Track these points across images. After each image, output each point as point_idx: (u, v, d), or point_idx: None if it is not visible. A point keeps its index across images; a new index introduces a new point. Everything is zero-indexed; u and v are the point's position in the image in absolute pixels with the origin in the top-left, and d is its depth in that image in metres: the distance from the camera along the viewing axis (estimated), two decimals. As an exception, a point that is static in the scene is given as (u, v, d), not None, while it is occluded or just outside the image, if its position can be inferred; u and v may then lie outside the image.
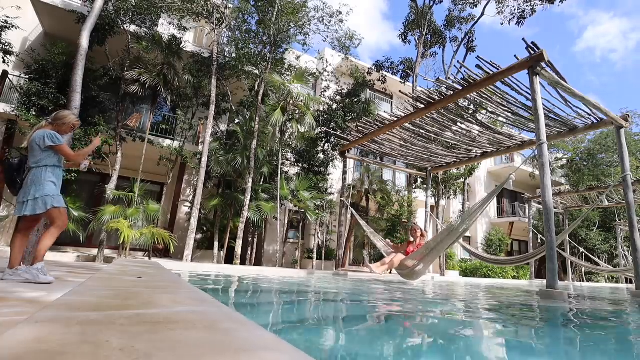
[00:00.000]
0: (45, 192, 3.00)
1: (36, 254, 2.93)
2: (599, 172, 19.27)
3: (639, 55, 72.95)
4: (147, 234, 8.61)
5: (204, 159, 10.23)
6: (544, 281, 4.14)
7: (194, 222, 9.85)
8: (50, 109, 9.00)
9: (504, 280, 14.52)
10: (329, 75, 15.25)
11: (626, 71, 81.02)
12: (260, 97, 11.50)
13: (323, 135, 13.88)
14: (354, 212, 7.86)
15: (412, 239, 6.58)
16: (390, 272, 7.04)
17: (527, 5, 16.39)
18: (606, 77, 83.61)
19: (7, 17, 8.92)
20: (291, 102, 11.43)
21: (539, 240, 14.81)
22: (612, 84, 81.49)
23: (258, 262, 12.81)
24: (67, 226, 8.35)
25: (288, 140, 12.74)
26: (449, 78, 7.69)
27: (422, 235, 6.67)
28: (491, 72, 4.88)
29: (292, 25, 12.22)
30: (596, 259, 13.57)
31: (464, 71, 5.14)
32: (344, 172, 13.45)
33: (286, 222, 14.70)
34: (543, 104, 4.87)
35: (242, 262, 11.68)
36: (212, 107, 10.68)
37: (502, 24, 17.06)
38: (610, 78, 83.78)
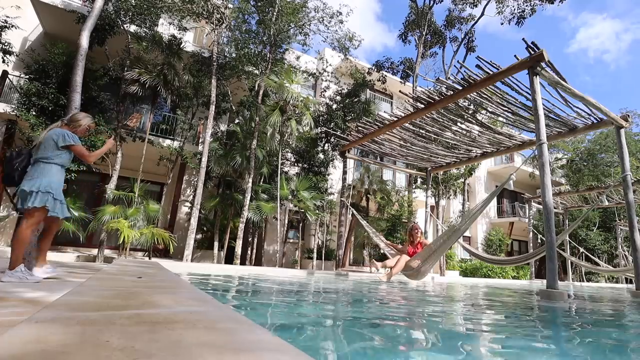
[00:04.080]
0: (49, 189, 2.92)
1: (12, 259, 2.80)
2: (599, 172, 19.27)
3: (632, 56, 73.15)
4: (147, 234, 8.62)
5: (204, 159, 10.23)
6: (544, 281, 4.15)
7: (194, 222, 9.85)
8: (50, 109, 9.01)
9: (503, 280, 14.52)
10: (328, 75, 15.25)
11: (620, 72, 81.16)
12: (260, 97, 11.50)
13: (323, 135, 13.88)
14: (355, 212, 7.85)
15: (412, 239, 6.58)
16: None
17: (527, 5, 16.40)
18: (600, 77, 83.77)
19: (7, 17, 8.91)
20: (290, 102, 11.44)
21: (539, 240, 14.80)
22: (606, 85, 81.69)
23: (258, 262, 12.81)
24: (67, 226, 8.46)
25: (288, 140, 12.75)
26: (449, 78, 7.68)
27: (421, 234, 6.68)
28: (491, 72, 4.88)
29: (292, 26, 12.22)
30: (596, 259, 13.56)
31: (464, 71, 5.13)
32: (344, 172, 13.45)
33: (286, 222, 14.70)
34: (543, 104, 4.87)
35: (242, 262, 11.68)
36: (212, 107, 10.69)
37: (502, 23, 17.09)
38: (604, 79, 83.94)
